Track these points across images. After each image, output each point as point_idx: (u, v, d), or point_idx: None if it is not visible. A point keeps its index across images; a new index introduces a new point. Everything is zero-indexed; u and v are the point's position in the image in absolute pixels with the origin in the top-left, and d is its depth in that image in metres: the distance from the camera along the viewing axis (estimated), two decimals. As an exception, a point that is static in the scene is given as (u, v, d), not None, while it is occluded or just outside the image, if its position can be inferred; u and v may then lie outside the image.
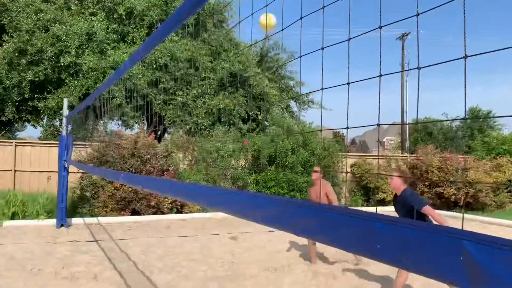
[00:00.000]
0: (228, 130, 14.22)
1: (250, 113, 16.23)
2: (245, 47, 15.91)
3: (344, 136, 31.48)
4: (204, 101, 15.11)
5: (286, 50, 18.90)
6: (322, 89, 1.82)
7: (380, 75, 1.58)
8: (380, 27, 1.62)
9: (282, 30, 2.00)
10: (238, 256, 6.52)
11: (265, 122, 17.60)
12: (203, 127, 15.01)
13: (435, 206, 7.79)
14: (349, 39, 1.67)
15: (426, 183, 13.15)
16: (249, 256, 6.52)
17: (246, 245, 7.32)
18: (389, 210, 12.40)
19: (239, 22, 2.29)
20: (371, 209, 12.34)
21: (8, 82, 14.26)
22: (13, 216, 8.95)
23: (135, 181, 2.64)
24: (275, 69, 19.74)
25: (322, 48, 1.83)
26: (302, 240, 7.17)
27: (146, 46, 2.79)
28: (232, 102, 15.37)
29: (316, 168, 6.00)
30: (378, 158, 15.41)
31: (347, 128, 1.74)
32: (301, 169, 12.32)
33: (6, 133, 23.49)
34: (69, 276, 5.24)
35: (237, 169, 12.21)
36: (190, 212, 10.56)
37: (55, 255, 6.22)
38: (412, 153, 18.17)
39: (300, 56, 1.91)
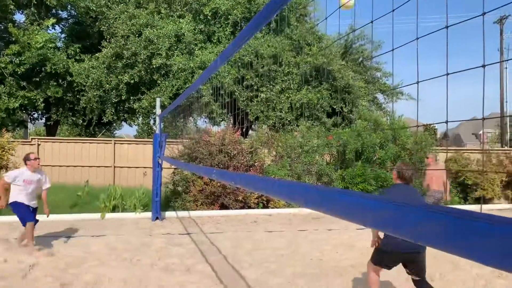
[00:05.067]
0: (312, 124, 14.02)
1: (335, 107, 15.87)
2: (329, 41, 15.56)
3: (436, 129, 29.51)
4: (287, 96, 15.08)
5: (373, 41, 18.16)
6: (418, 82, 1.64)
7: (484, 65, 1.35)
8: (483, 14, 1.39)
9: (372, 22, 1.84)
10: (327, 254, 6.38)
11: (351, 116, 17.10)
12: (287, 122, 14.99)
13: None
14: (446, 27, 1.47)
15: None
16: (338, 254, 6.36)
17: (335, 242, 7.14)
18: (491, 209, 11.38)
19: (326, 19, 2.18)
20: (472, 208, 11.39)
21: (107, 85, 15.47)
22: (114, 209, 9.68)
23: (227, 177, 2.65)
24: (361, 60, 19.09)
25: (417, 39, 1.65)
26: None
27: (235, 44, 2.79)
28: (315, 96, 15.14)
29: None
30: (482, 153, 14.21)
31: (447, 122, 1.54)
32: (391, 164, 11.77)
33: (106, 132, 25.58)
34: (165, 267, 5.51)
35: (322, 165, 11.98)
36: (276, 207, 10.61)
37: (151, 247, 6.59)
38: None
39: (393, 49, 1.74)
